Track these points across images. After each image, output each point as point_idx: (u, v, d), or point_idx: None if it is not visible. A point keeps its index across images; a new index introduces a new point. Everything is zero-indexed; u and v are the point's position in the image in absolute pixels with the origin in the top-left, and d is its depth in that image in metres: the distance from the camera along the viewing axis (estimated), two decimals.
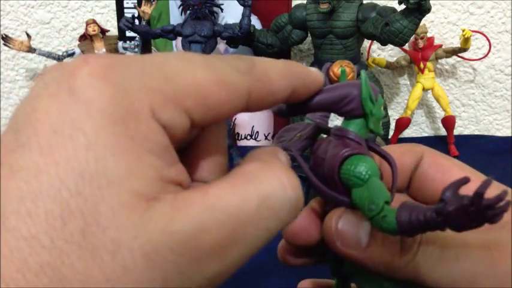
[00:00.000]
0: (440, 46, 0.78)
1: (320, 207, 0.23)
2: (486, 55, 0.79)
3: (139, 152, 0.15)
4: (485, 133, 0.87)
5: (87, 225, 0.14)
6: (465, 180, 0.17)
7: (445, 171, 0.22)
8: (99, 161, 0.14)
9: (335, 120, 0.72)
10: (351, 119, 0.22)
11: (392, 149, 0.24)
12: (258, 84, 0.18)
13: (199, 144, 0.19)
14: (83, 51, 0.80)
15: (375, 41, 0.76)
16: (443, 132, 0.81)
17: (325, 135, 0.23)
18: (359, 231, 0.20)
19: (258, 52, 0.79)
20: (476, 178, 0.20)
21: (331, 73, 0.24)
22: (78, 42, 0.81)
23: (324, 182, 0.21)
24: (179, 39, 0.75)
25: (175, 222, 0.14)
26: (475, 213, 0.16)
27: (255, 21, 0.79)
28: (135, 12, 0.78)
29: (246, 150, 0.81)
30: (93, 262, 0.13)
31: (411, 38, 0.66)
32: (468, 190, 0.17)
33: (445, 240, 0.19)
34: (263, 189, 0.16)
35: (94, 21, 0.79)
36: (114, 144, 0.14)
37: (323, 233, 0.21)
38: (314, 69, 0.20)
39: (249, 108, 0.18)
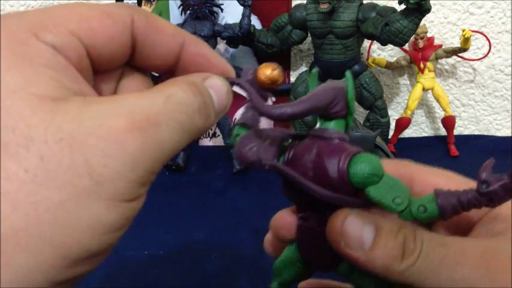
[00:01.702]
0: (440, 46, 0.78)
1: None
2: (486, 55, 0.79)
3: (33, 66, 0.16)
4: (485, 133, 0.87)
5: None
6: (492, 162, 0.20)
7: (432, 185, 0.22)
8: None
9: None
10: (331, 120, 0.22)
11: (385, 162, 0.24)
12: (141, 15, 0.19)
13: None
14: None
15: (375, 41, 0.76)
16: (443, 132, 0.81)
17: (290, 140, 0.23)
18: (363, 233, 0.20)
19: (258, 52, 0.79)
20: (466, 185, 0.21)
21: (262, 77, 0.23)
22: None
23: (322, 186, 0.21)
24: None
25: (86, 112, 0.16)
26: None
27: (255, 21, 0.79)
28: None
29: None
30: (8, 158, 0.14)
31: (411, 38, 0.66)
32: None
33: (445, 248, 0.20)
34: (166, 91, 0.18)
35: None
36: (7, 64, 0.15)
37: (327, 233, 0.21)
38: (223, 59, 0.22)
39: (138, 41, 0.20)
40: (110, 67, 0.20)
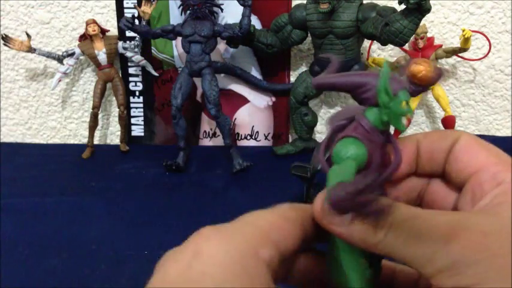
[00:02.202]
0: (440, 46, 0.78)
1: None
2: (486, 55, 0.79)
3: (251, 280, 0.19)
4: (485, 133, 0.87)
5: None
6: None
7: (471, 156, 0.23)
8: None
9: None
10: (370, 107, 0.23)
11: (431, 134, 0.25)
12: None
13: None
14: (83, 51, 0.80)
15: (375, 41, 0.76)
16: None
17: None
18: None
19: (258, 52, 0.79)
20: (502, 163, 0.22)
21: (411, 72, 0.24)
22: (78, 42, 0.81)
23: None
24: (179, 39, 0.75)
25: None
26: (354, 204, 0.20)
27: (255, 21, 0.79)
28: (135, 12, 0.78)
29: (246, 150, 0.81)
30: None
31: (411, 38, 0.66)
32: (493, 174, 0.22)
33: (413, 222, 0.21)
34: None
35: (94, 21, 0.79)
36: (234, 275, 0.19)
37: (313, 211, 0.23)
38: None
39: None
40: (288, 257, 0.23)
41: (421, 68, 0.23)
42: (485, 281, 0.18)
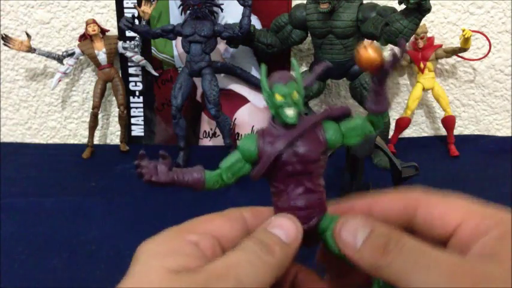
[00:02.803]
0: (440, 46, 0.78)
1: None
2: (486, 55, 0.79)
3: (173, 254, 0.24)
4: (485, 133, 0.87)
5: None
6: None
7: (443, 216, 0.25)
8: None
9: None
10: None
11: (382, 197, 0.27)
12: (249, 212, 0.29)
13: None
14: (82, 51, 0.80)
15: (375, 41, 0.76)
16: (443, 132, 0.81)
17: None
18: (356, 238, 0.24)
19: (258, 52, 0.79)
20: (475, 211, 0.24)
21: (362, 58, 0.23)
22: (78, 42, 0.81)
23: None
24: (179, 39, 0.75)
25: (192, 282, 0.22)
26: None
27: (255, 21, 0.79)
28: (135, 12, 0.78)
29: None
30: None
31: (411, 38, 0.66)
32: (475, 226, 0.23)
33: (422, 253, 0.22)
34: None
35: (94, 21, 0.79)
36: (158, 252, 0.24)
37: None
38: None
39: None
40: (231, 242, 0.26)
41: (362, 54, 0.23)
42: None
